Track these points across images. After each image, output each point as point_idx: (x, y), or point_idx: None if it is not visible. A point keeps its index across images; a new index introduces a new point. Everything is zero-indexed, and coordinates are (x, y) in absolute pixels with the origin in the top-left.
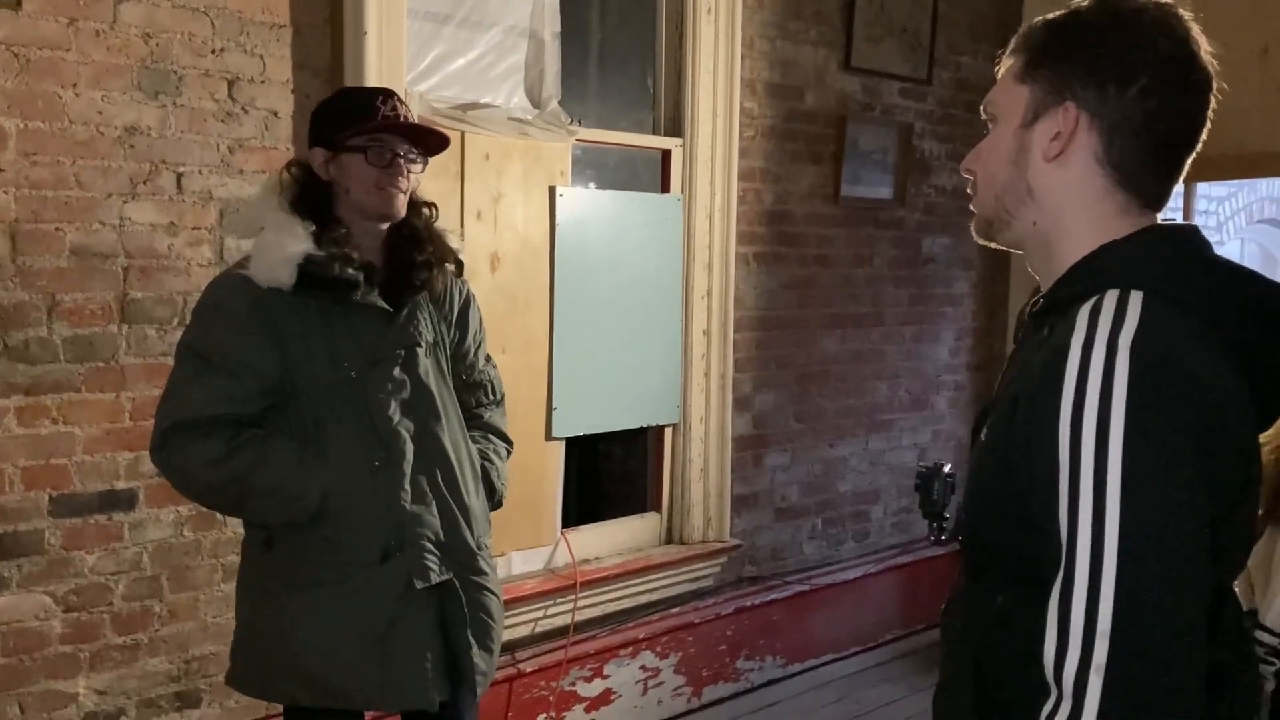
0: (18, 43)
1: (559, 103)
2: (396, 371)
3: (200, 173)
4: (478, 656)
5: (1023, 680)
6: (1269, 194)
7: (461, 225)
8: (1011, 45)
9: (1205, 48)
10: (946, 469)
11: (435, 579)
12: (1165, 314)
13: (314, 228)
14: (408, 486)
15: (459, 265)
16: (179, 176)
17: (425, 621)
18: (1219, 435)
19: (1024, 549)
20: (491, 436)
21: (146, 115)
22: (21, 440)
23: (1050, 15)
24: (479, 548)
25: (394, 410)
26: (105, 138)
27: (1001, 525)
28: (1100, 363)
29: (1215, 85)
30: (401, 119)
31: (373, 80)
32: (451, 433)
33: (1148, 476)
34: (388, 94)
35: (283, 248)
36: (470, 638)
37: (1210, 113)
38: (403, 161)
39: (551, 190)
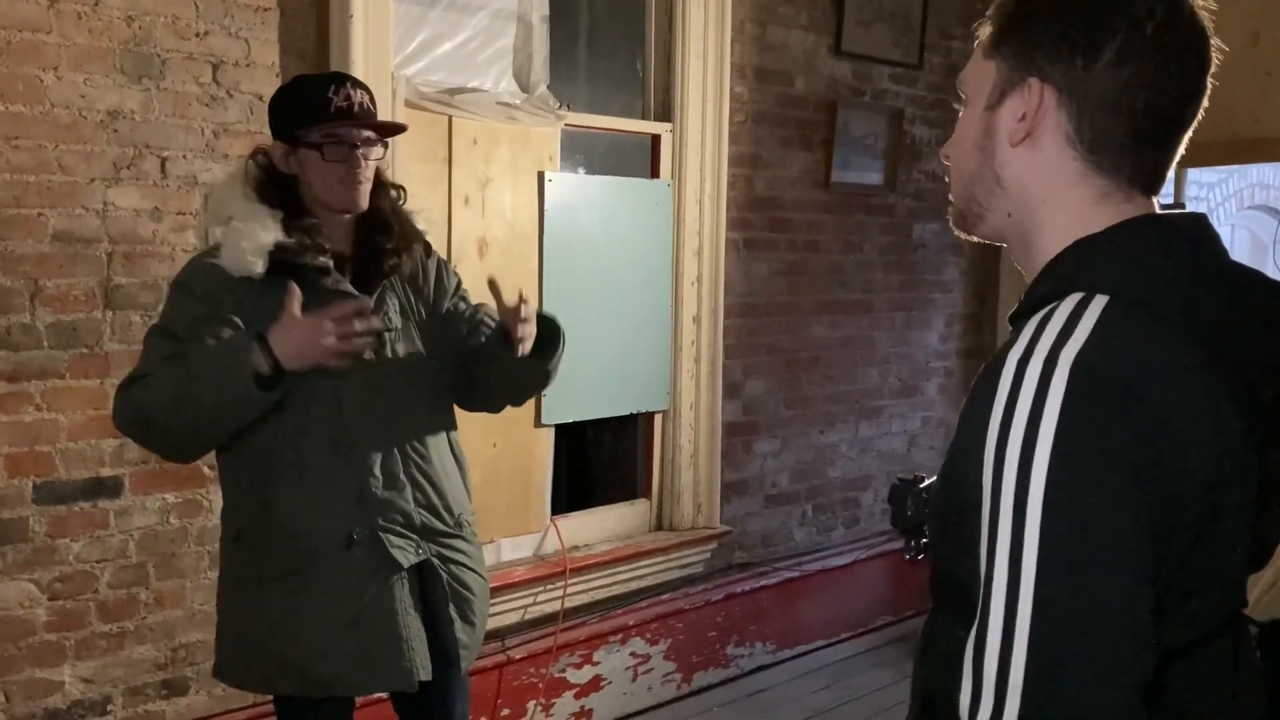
0: None
1: (547, 87)
2: (366, 356)
3: (185, 157)
4: (460, 631)
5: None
6: (1259, 180)
7: (449, 210)
8: (988, 13)
9: (1192, 10)
10: (923, 484)
11: (408, 561)
12: (1125, 324)
13: (282, 216)
14: (378, 472)
15: (427, 247)
16: (163, 161)
17: (402, 603)
18: (1170, 463)
19: (968, 576)
20: None
21: (129, 99)
22: (4, 427)
23: None
24: (459, 526)
25: (363, 395)
26: (88, 121)
27: (953, 553)
28: (1035, 378)
29: (1212, 44)
30: (356, 107)
31: (359, 64)
32: (428, 415)
33: (1072, 518)
34: (340, 80)
35: (253, 237)
36: (452, 613)
37: (1209, 78)
38: (360, 152)
39: (540, 175)
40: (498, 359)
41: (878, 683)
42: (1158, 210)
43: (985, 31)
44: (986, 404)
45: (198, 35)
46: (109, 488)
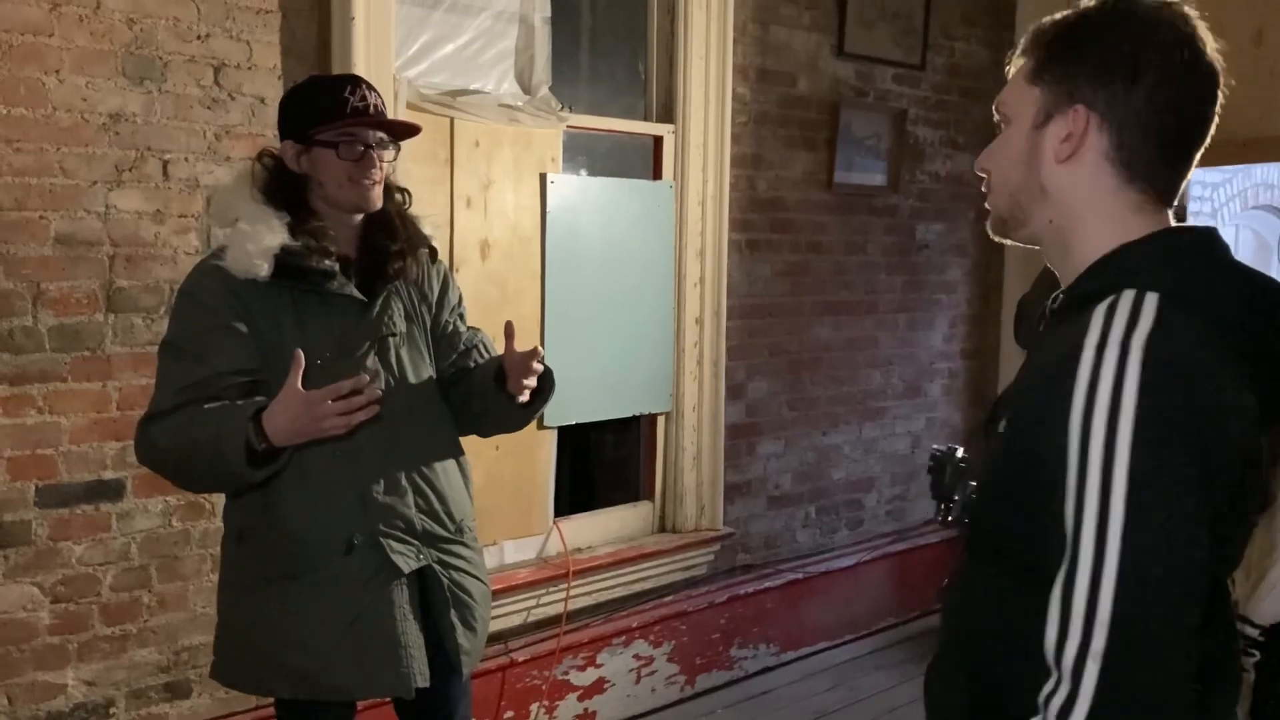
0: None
1: (549, 89)
2: (370, 361)
3: (186, 160)
4: (462, 637)
5: (1012, 660)
6: (1263, 180)
7: (451, 212)
8: (1021, 46)
9: (1211, 45)
10: (959, 454)
11: (409, 567)
12: (1177, 317)
13: (288, 218)
14: (380, 477)
15: (433, 251)
16: (165, 164)
17: (401, 609)
18: (1221, 437)
19: (1030, 538)
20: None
21: (131, 101)
22: (7, 430)
23: (1059, 15)
24: (460, 531)
25: None
26: (90, 124)
27: (1011, 514)
28: (1113, 363)
29: (1222, 81)
30: (371, 108)
31: (360, 66)
32: (430, 420)
33: (1153, 477)
34: (356, 81)
35: (259, 239)
36: (453, 619)
37: (1218, 108)
38: (374, 153)
39: (542, 177)
40: (485, 395)
41: (882, 684)
42: (1172, 219)
43: (1023, 61)
44: (1067, 384)
45: (199, 38)
46: (111, 490)
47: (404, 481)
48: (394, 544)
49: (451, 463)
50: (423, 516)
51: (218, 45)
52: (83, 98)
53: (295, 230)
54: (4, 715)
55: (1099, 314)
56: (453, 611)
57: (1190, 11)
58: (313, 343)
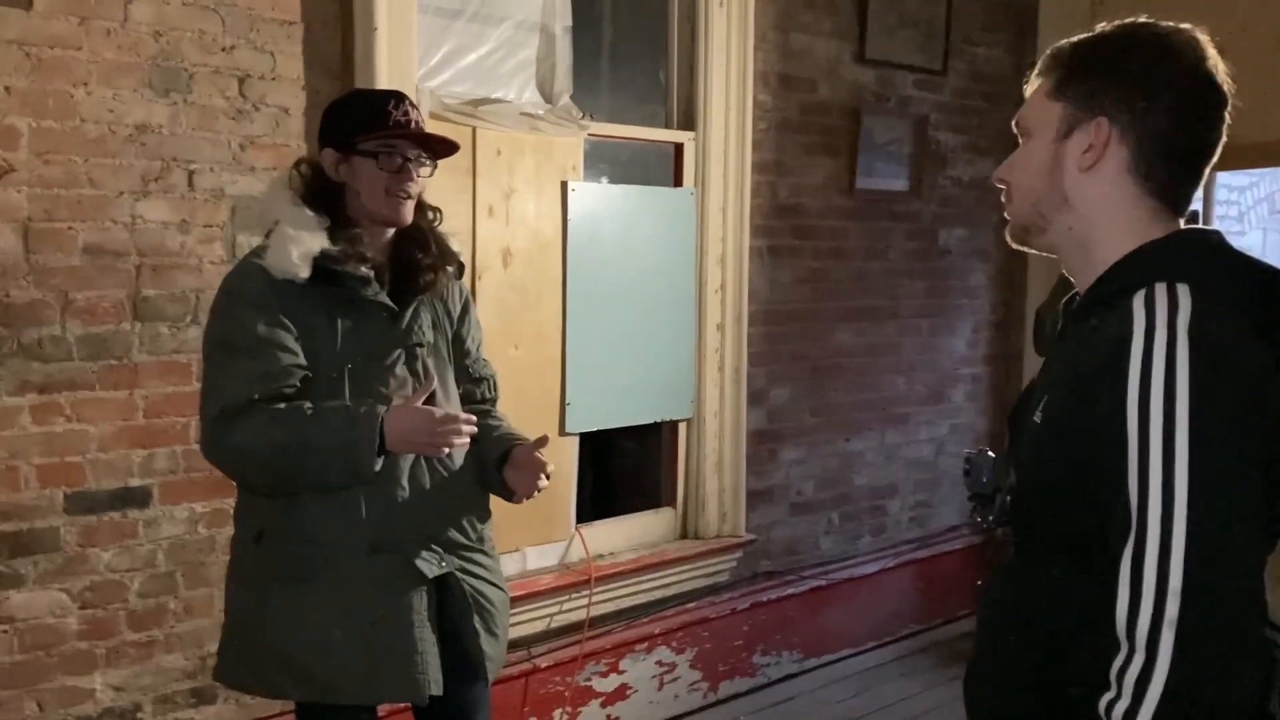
0: (29, 42)
1: (570, 97)
2: (399, 369)
3: (211, 170)
4: (485, 643)
5: (1081, 646)
6: None
7: (473, 221)
8: (1040, 65)
9: (1222, 69)
10: (990, 454)
11: (432, 573)
12: (1212, 304)
13: (329, 223)
14: (405, 483)
15: (460, 268)
16: (190, 174)
17: (419, 615)
18: (1271, 411)
19: (1086, 522)
20: (503, 420)
21: (157, 113)
22: (36, 438)
23: (1077, 37)
24: (481, 540)
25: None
26: (116, 136)
27: (1063, 501)
28: (1163, 347)
29: (1230, 103)
30: (413, 124)
31: (383, 77)
32: None
33: (1213, 450)
34: (400, 97)
35: (301, 241)
36: (476, 625)
37: (1224, 128)
38: (412, 166)
39: (563, 185)
40: (482, 468)
41: (905, 692)
42: (1187, 226)
43: (1041, 80)
44: (1120, 366)
45: (224, 50)
46: (138, 498)
47: (430, 487)
48: (419, 549)
49: (474, 471)
50: (447, 524)
51: (242, 57)
52: (110, 109)
53: (334, 236)
54: None
55: (1138, 304)
56: (475, 618)
57: (1201, 37)
58: (344, 347)
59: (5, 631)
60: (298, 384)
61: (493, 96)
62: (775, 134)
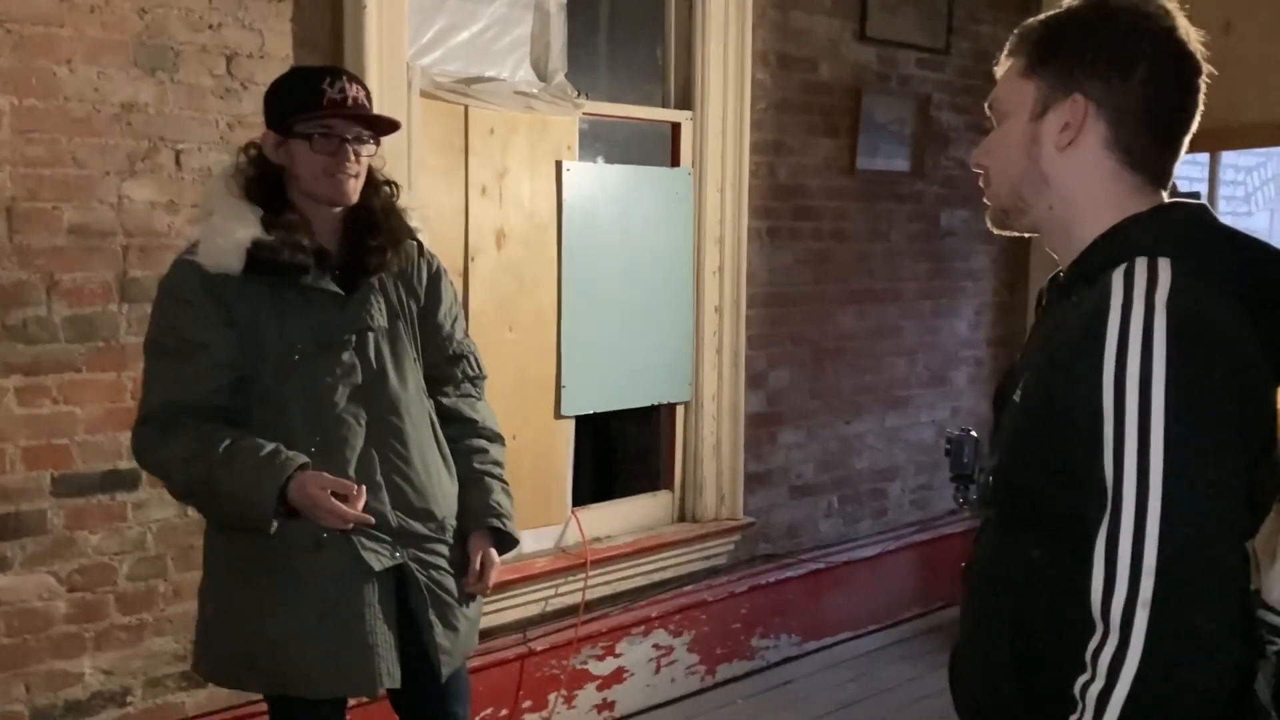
0: (11, 19)
1: (565, 75)
2: (346, 355)
3: (199, 150)
4: (442, 637)
5: (1060, 627)
6: None
7: (466, 201)
8: (1009, 46)
9: (1194, 36)
10: (974, 434)
11: (380, 566)
12: (1193, 277)
13: (262, 212)
14: (353, 474)
15: (419, 245)
16: (178, 154)
17: (371, 607)
18: (1248, 388)
19: (1064, 501)
20: (486, 443)
21: (144, 92)
22: (22, 420)
23: (1045, 14)
24: (442, 530)
25: (340, 395)
26: (102, 115)
27: (1042, 479)
28: (1140, 319)
29: (1205, 71)
30: (350, 100)
31: (373, 54)
32: (410, 416)
33: (1190, 424)
34: (337, 73)
35: (230, 233)
36: (432, 618)
37: (1200, 97)
38: (350, 146)
39: (558, 165)
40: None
41: (905, 675)
42: (1170, 200)
43: (1012, 60)
44: (1096, 342)
45: (211, 27)
46: (127, 480)
47: (379, 477)
48: (365, 541)
49: (434, 459)
50: (399, 514)
51: (230, 34)
52: (95, 88)
53: (269, 224)
54: (22, 704)
55: (1117, 278)
56: (431, 611)
57: (1170, 5)
58: (290, 336)
59: None
60: (225, 384)
61: (486, 75)
62: (775, 114)
